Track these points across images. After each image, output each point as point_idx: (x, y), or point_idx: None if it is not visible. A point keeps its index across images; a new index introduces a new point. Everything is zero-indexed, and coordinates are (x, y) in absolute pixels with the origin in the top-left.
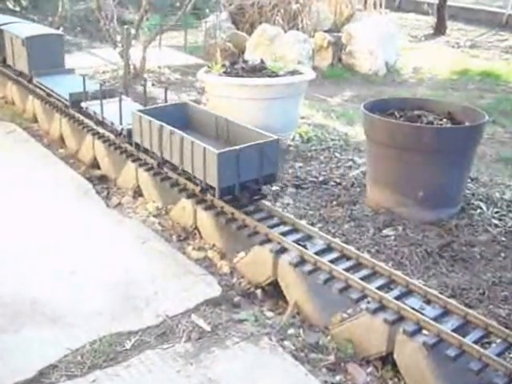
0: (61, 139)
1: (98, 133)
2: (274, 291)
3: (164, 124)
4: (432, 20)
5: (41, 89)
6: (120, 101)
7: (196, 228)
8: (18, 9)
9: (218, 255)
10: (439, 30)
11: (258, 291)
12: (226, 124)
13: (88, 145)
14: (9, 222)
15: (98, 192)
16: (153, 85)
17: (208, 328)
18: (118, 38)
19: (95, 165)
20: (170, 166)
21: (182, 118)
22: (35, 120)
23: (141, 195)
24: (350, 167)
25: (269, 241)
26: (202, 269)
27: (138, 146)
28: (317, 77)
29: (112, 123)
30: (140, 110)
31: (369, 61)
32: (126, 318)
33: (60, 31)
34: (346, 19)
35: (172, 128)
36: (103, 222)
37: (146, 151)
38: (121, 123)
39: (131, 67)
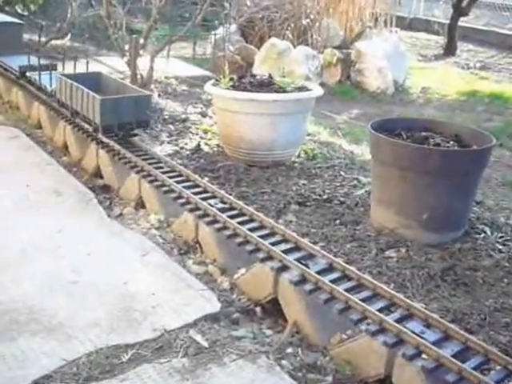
0: (64, 147)
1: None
2: (273, 309)
3: (73, 82)
4: (442, 40)
5: (2, 67)
6: (51, 71)
7: (197, 242)
8: (26, 13)
9: (218, 270)
10: (449, 50)
11: (258, 308)
12: (122, 85)
13: (92, 153)
14: (8, 229)
15: (100, 202)
16: (159, 95)
17: (206, 344)
18: (126, 46)
19: (98, 174)
20: (79, 115)
21: (94, 83)
22: (39, 126)
23: (143, 206)
24: (354, 186)
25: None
26: (201, 284)
27: (60, 102)
28: (324, 93)
29: (45, 86)
30: (62, 75)
31: (377, 79)
32: (124, 331)
33: (19, 21)
34: (356, 36)
35: (76, 84)
36: (104, 232)
37: (63, 105)
38: (51, 86)
39: (138, 77)
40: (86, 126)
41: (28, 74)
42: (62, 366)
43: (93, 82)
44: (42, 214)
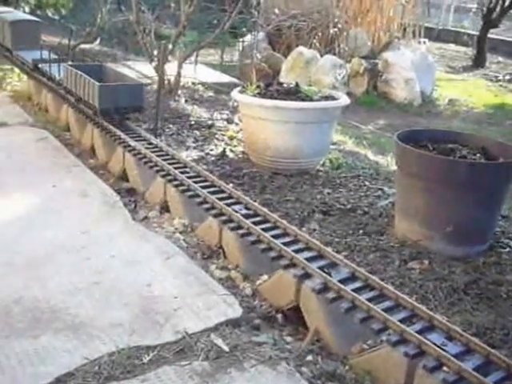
0: (92, 150)
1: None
2: (294, 316)
3: (77, 71)
4: (471, 52)
5: (18, 59)
6: (59, 63)
7: (221, 247)
8: (56, 17)
9: (241, 276)
10: (478, 62)
11: (279, 315)
12: (120, 75)
13: (118, 156)
14: (34, 229)
15: (125, 204)
16: (186, 101)
17: (226, 348)
18: (155, 52)
19: (124, 177)
20: (81, 101)
21: (97, 73)
22: (68, 128)
23: (168, 210)
24: (378, 197)
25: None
26: (224, 289)
27: (67, 89)
28: (351, 103)
29: (54, 76)
30: (68, 65)
31: (404, 90)
32: (146, 332)
33: (36, 19)
34: (383, 46)
35: (80, 72)
36: (128, 235)
37: (69, 92)
38: (59, 76)
39: (165, 82)
40: (89, 110)
41: (40, 65)
42: (83, 364)
43: (96, 72)
44: (68, 214)
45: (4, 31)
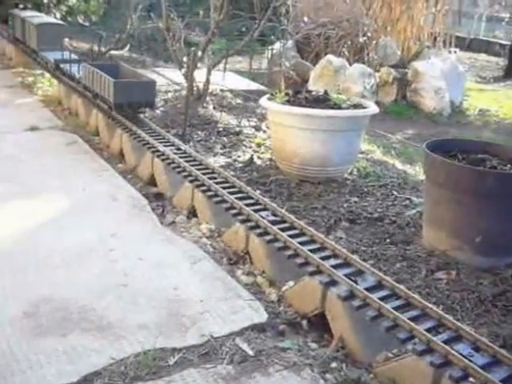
0: (121, 154)
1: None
2: (319, 323)
3: (95, 69)
4: (503, 62)
5: (42, 60)
6: (79, 63)
7: (247, 253)
8: (87, 24)
9: (266, 282)
10: (510, 72)
11: (304, 322)
12: (135, 73)
13: (147, 162)
14: (64, 231)
15: (153, 209)
16: (214, 108)
17: (251, 353)
18: (184, 59)
19: (152, 182)
20: (99, 97)
21: (114, 71)
22: (97, 133)
23: (195, 215)
24: (406, 206)
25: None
26: (249, 294)
27: (86, 87)
28: (379, 112)
29: (74, 74)
30: (86, 64)
31: (434, 99)
32: (171, 335)
33: (60, 22)
34: (413, 55)
35: (97, 70)
36: (156, 239)
37: (87, 88)
38: (78, 74)
39: (194, 89)
40: (104, 105)
41: (61, 65)
42: (110, 364)
43: (113, 70)
44: (97, 217)
45: (30, 33)
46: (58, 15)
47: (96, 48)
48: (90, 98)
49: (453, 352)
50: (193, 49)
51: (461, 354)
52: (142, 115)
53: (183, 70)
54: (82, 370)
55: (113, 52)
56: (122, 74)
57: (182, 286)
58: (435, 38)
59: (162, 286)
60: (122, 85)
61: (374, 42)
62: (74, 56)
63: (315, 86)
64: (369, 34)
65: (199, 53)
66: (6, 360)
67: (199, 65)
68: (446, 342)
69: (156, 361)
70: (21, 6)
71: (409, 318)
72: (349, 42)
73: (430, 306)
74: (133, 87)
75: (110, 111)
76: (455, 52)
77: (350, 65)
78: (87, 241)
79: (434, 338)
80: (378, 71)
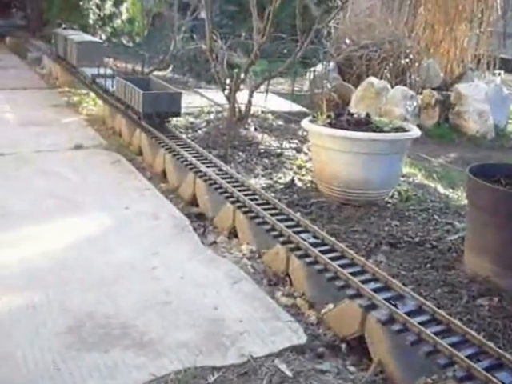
0: (163, 174)
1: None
2: (359, 346)
3: (126, 82)
4: None
5: (82, 74)
6: (113, 78)
7: (287, 274)
8: (131, 44)
9: (306, 304)
10: None
11: (343, 345)
12: (164, 86)
13: (189, 182)
14: (107, 248)
15: (194, 229)
16: (255, 129)
17: (290, 374)
18: (227, 81)
19: (194, 202)
20: (130, 108)
21: (145, 84)
22: (140, 152)
23: (236, 236)
24: (448, 231)
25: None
26: (289, 315)
27: (118, 99)
28: (421, 135)
29: (108, 88)
30: (119, 77)
31: (477, 123)
32: (211, 354)
33: (99, 40)
34: (456, 78)
35: (128, 83)
36: (197, 258)
37: (119, 100)
38: (112, 87)
39: (236, 110)
40: (134, 115)
41: (97, 80)
42: (150, 380)
43: (144, 83)
44: (139, 235)
45: (71, 50)
46: (104, 36)
47: (139, 68)
48: (133, 118)
49: (494, 380)
50: (235, 71)
51: (502, 382)
52: (181, 133)
53: (226, 92)
54: None
55: (156, 73)
56: (152, 87)
57: (222, 305)
58: (479, 60)
59: (202, 305)
60: (150, 96)
61: (417, 64)
62: (108, 71)
63: (357, 108)
64: (411, 56)
65: (242, 75)
66: (49, 373)
67: (241, 86)
68: (487, 369)
69: (196, 379)
70: (63, 26)
71: (449, 344)
72: (391, 64)
73: (471, 332)
74: (160, 98)
75: (139, 120)
76: (499, 74)
77: (392, 87)
78: (130, 259)
79: (475, 365)
80: (421, 93)
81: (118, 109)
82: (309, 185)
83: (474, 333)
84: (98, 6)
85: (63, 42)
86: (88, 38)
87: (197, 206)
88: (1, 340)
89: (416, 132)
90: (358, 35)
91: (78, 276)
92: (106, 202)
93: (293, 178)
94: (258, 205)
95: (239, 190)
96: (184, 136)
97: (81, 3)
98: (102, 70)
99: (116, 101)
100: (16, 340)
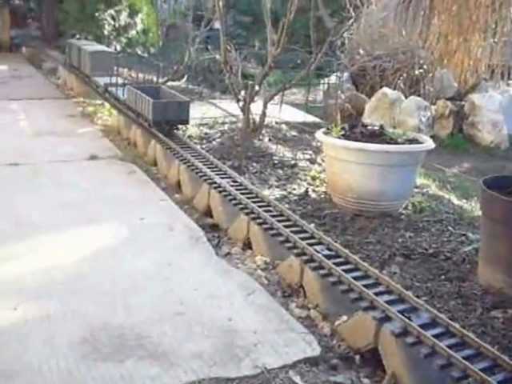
0: (178, 185)
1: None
2: (372, 358)
3: (137, 91)
4: None
5: (94, 83)
6: (124, 86)
7: (301, 286)
8: (146, 55)
9: (320, 316)
10: None
11: (357, 356)
12: (173, 95)
13: (204, 193)
14: (122, 259)
15: (208, 240)
16: (269, 140)
17: None
18: (242, 92)
19: (208, 213)
20: (140, 116)
21: (155, 93)
22: (155, 163)
23: (250, 247)
24: (462, 242)
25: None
26: (303, 327)
27: (129, 107)
28: (435, 145)
29: (119, 97)
30: (132, 86)
31: (491, 133)
32: (225, 365)
33: (111, 50)
34: (470, 88)
35: (139, 92)
36: (211, 269)
37: (130, 109)
38: (123, 96)
39: (250, 121)
40: (144, 122)
41: (109, 88)
42: None
43: (154, 92)
44: (154, 246)
45: (85, 60)
46: (118, 47)
47: (154, 78)
48: (146, 128)
49: None
50: (250, 83)
51: None
52: (191, 141)
53: (240, 103)
54: None
55: (170, 83)
56: (161, 96)
57: (236, 316)
58: (493, 71)
59: (216, 316)
60: (160, 104)
61: (431, 75)
62: (120, 80)
63: (370, 118)
64: (425, 67)
65: (256, 87)
66: (65, 383)
67: (257, 98)
68: (501, 382)
69: None
70: (77, 36)
71: (463, 357)
72: (404, 75)
73: (485, 345)
74: (169, 106)
75: (150, 127)
76: None
77: (406, 97)
78: (144, 269)
79: (489, 378)
80: (434, 104)
81: (132, 119)
82: (323, 196)
83: (488, 345)
84: (113, 17)
85: (77, 52)
86: (100, 47)
87: (211, 216)
88: (17, 350)
89: (430, 144)
90: (371, 46)
91: (92, 286)
92: (121, 213)
93: (307, 189)
94: (272, 216)
95: (253, 202)
96: (198, 147)
97: (96, 14)
98: (114, 79)
99: (127, 109)
100: (32, 350)
